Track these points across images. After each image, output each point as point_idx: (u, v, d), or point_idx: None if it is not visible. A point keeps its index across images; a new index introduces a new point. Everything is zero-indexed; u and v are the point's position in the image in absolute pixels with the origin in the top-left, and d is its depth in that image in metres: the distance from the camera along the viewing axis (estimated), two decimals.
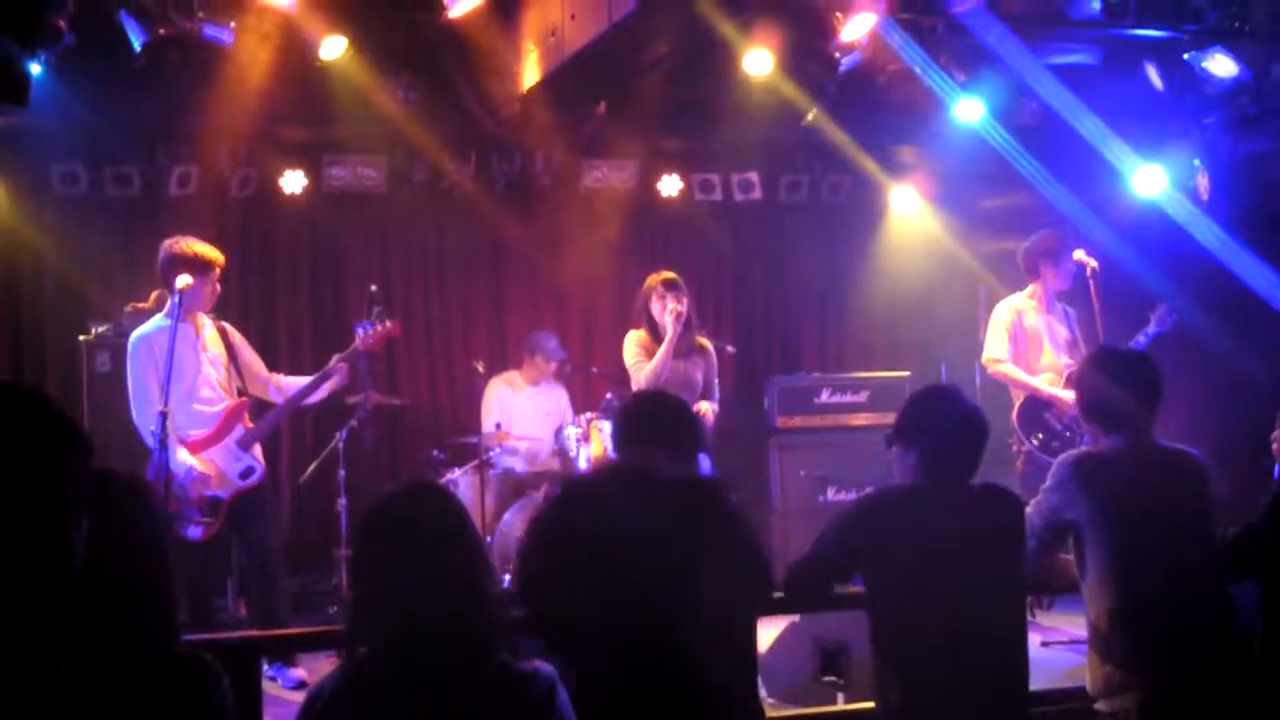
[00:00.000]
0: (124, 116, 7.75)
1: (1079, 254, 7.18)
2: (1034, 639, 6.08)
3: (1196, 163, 7.90)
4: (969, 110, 7.46)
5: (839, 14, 6.75)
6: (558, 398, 8.58)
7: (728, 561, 3.32)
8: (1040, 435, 7.06)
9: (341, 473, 7.47)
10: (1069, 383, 6.95)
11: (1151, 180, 7.79)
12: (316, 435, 8.37)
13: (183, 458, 6.14)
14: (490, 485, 7.82)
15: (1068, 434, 6.96)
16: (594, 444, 7.43)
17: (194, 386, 6.29)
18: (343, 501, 7.46)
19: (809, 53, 7.08)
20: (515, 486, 8.02)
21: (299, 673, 6.37)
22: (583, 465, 7.43)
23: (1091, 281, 7.09)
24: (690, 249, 9.84)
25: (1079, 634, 4.59)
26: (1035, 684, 3.83)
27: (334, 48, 6.70)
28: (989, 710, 3.59)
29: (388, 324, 6.72)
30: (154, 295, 7.05)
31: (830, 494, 8.18)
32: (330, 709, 2.52)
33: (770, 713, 4.36)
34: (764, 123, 8.41)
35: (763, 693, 5.22)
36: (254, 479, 6.39)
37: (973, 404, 3.83)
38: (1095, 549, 3.85)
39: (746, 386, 9.42)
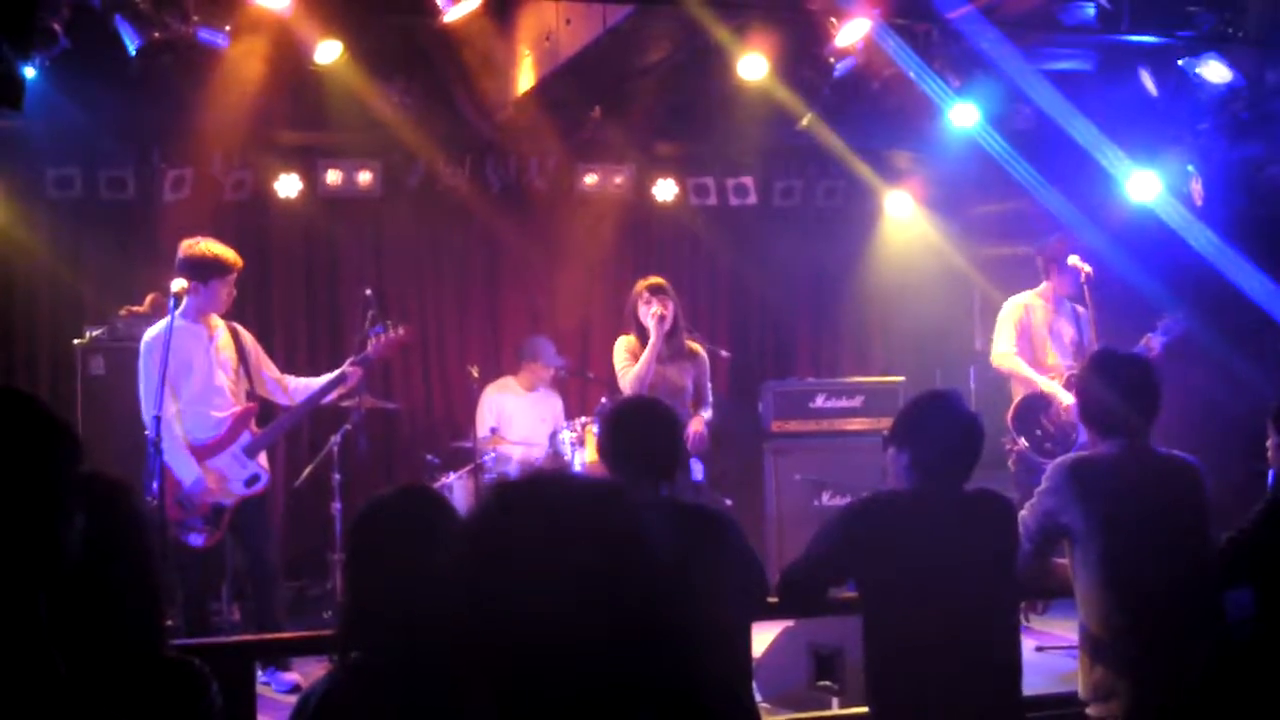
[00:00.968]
0: (118, 120, 7.75)
1: (1073, 260, 7.20)
2: (1029, 643, 6.08)
3: (1190, 168, 7.90)
4: (963, 115, 7.47)
5: (833, 19, 6.76)
6: (553, 404, 8.57)
7: (722, 568, 3.32)
8: (1033, 436, 7.08)
9: (336, 477, 7.47)
10: (1069, 384, 6.97)
11: (1146, 186, 7.80)
12: (311, 440, 8.37)
13: (191, 466, 6.12)
14: (484, 490, 7.81)
15: (1061, 435, 6.98)
16: (588, 448, 7.42)
17: (205, 390, 6.27)
18: (337, 506, 7.47)
19: (804, 58, 7.09)
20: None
21: (293, 677, 6.36)
22: (578, 469, 7.42)
23: (1086, 287, 7.12)
24: (685, 253, 9.85)
25: (1074, 638, 4.59)
26: (1029, 688, 3.84)
27: (329, 52, 6.69)
28: (982, 714, 3.59)
29: (400, 330, 6.71)
30: (149, 299, 7.05)
31: (825, 498, 8.18)
32: (321, 713, 2.52)
33: (765, 718, 4.36)
34: (759, 127, 8.42)
35: (758, 697, 5.21)
36: (259, 486, 6.38)
37: (968, 410, 3.83)
38: (1089, 553, 3.85)
39: (741, 391, 9.42)
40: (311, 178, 8.64)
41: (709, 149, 9.35)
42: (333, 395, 6.69)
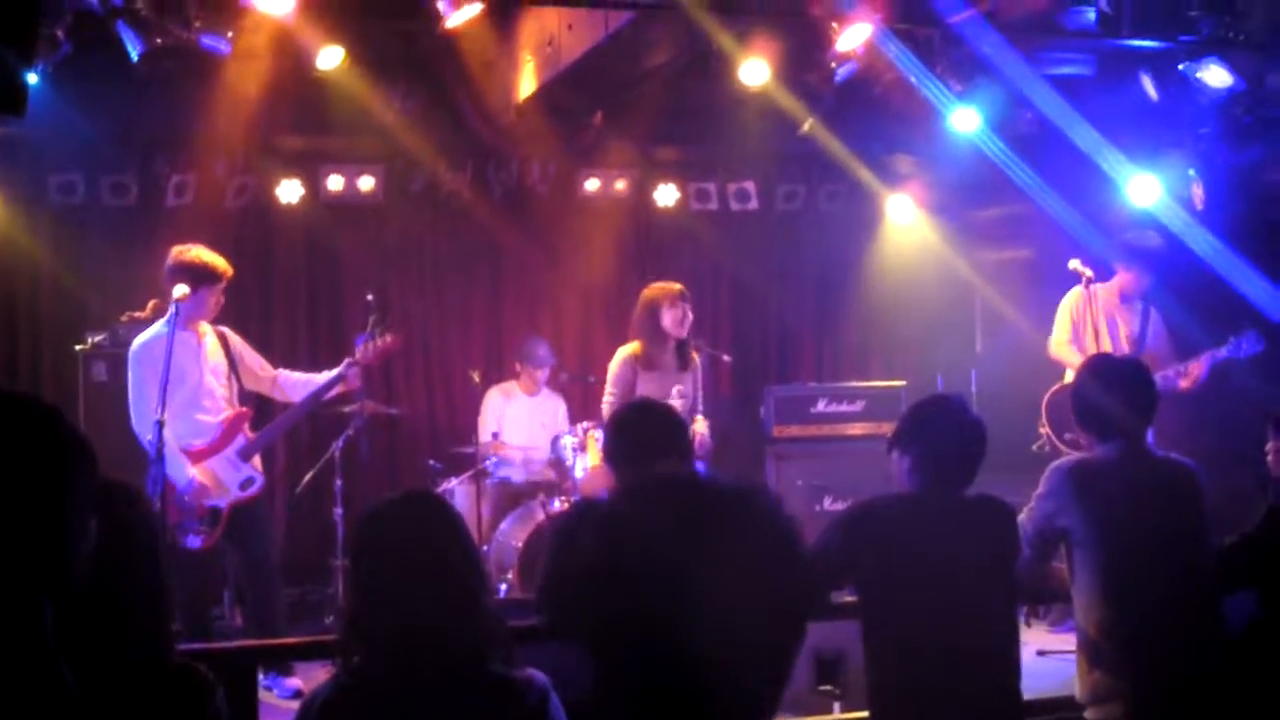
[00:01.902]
0: (121, 126, 7.76)
1: (1074, 264, 7.21)
2: (1030, 647, 6.08)
3: (1191, 172, 7.90)
4: (965, 120, 7.47)
5: (835, 24, 6.76)
6: (555, 408, 8.58)
7: (773, 569, 3.30)
8: (1058, 423, 7.09)
9: (338, 482, 7.48)
10: None
11: (1147, 190, 7.80)
12: (312, 444, 8.37)
13: (184, 468, 6.13)
14: (486, 495, 7.82)
15: None
16: (590, 453, 7.42)
17: (195, 396, 6.28)
18: (339, 511, 7.47)
19: (805, 63, 7.10)
20: (512, 496, 8.02)
21: (295, 682, 6.36)
22: (579, 475, 7.42)
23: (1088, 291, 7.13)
24: (686, 258, 9.85)
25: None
26: (1029, 692, 3.84)
27: (331, 57, 6.70)
28: (982, 718, 3.59)
29: (387, 338, 6.70)
30: (151, 304, 7.05)
31: (827, 503, 8.17)
32: (324, 717, 2.52)
33: None
34: (760, 132, 8.43)
35: None
36: (254, 489, 6.38)
37: (973, 414, 3.83)
38: (1086, 556, 3.85)
39: (743, 396, 9.42)
40: (313, 183, 8.65)
41: (711, 154, 9.36)
42: (333, 393, 6.67)
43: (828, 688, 5.47)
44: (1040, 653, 6.66)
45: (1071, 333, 7.34)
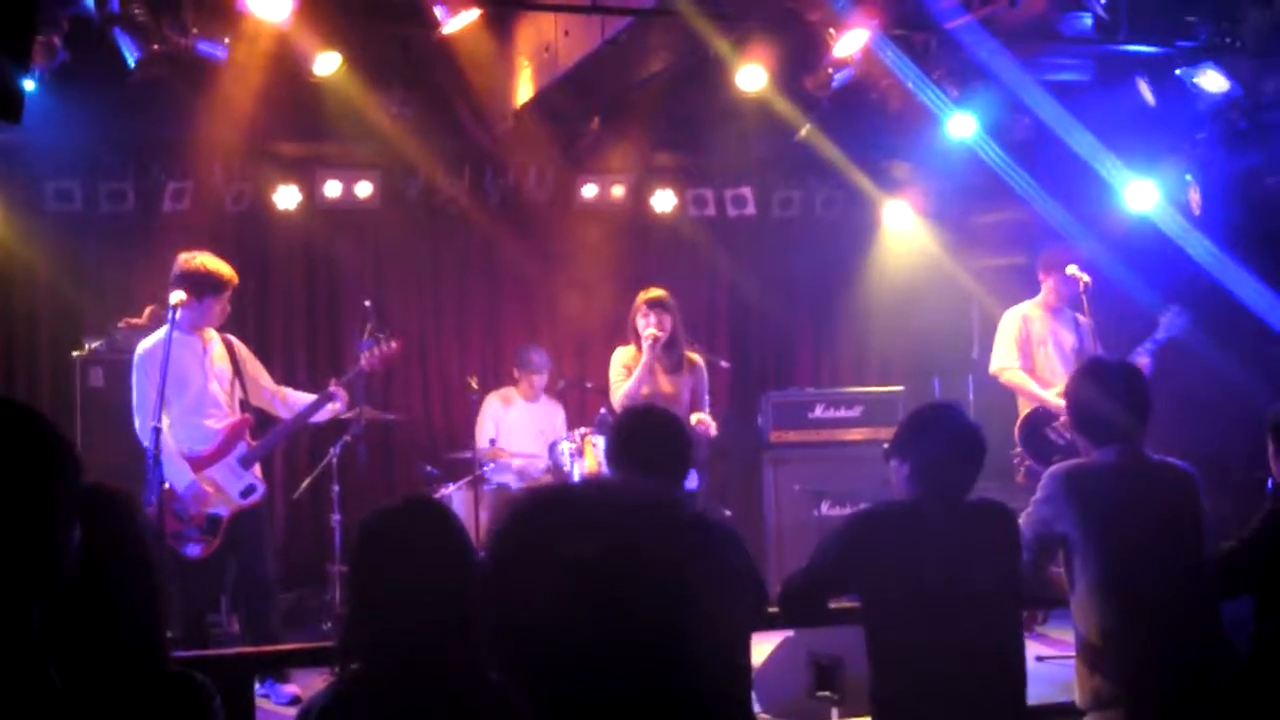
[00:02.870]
0: (118, 133, 7.77)
1: (1072, 269, 7.21)
2: (1029, 652, 6.07)
3: (1188, 178, 7.91)
4: (962, 126, 7.48)
5: (832, 30, 6.77)
6: (553, 414, 8.57)
7: (722, 578, 3.31)
8: (1041, 449, 7.07)
9: (335, 488, 7.47)
10: None
11: (1144, 195, 7.81)
12: (310, 451, 8.36)
13: (185, 472, 6.12)
14: (484, 501, 7.80)
15: (1068, 446, 6.97)
16: (588, 459, 7.42)
17: (199, 402, 6.26)
18: (336, 517, 7.46)
19: (802, 69, 7.11)
20: (509, 502, 8.00)
21: (292, 689, 6.35)
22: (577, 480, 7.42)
23: (1084, 297, 7.13)
24: (684, 264, 9.85)
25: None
26: (1030, 697, 3.83)
27: (327, 64, 6.70)
28: None
29: (391, 345, 6.70)
30: (148, 311, 7.05)
31: (824, 508, 8.18)
32: None
33: None
34: (757, 138, 8.44)
35: (757, 708, 5.21)
36: (255, 497, 6.37)
37: (971, 421, 3.83)
38: (1085, 561, 3.85)
39: (740, 402, 9.42)
40: (311, 189, 8.65)
41: (708, 160, 9.37)
42: (324, 416, 6.65)
43: (826, 694, 5.46)
44: (1039, 658, 6.65)
45: (1020, 358, 7.31)
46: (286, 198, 8.58)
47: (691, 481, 6.74)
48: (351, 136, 8.25)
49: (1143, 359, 6.96)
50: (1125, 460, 3.94)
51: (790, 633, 5.68)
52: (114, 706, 2.08)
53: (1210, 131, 7.68)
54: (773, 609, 3.92)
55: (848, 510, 7.65)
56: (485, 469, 7.88)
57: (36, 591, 1.67)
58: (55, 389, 7.95)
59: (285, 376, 8.63)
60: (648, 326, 6.91)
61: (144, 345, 6.26)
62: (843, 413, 8.51)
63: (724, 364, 8.29)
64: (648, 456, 3.62)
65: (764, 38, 6.92)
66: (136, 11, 6.21)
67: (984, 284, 9.26)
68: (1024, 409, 7.25)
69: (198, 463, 6.22)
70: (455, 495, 7.81)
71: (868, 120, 8.06)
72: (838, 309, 10.16)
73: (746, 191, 9.60)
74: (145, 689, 2.28)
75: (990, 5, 6.39)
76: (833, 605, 4.03)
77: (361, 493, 7.72)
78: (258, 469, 6.44)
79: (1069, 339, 7.35)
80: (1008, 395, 7.46)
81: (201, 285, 6.15)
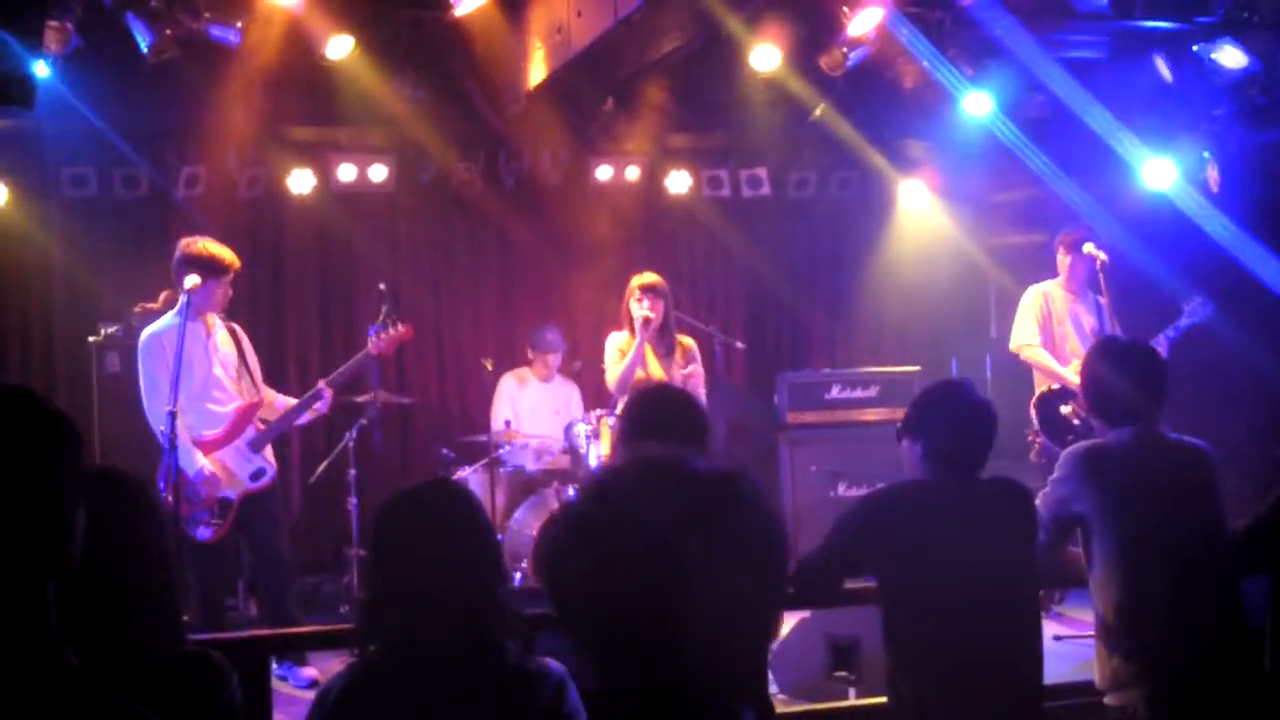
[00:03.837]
0: (132, 118, 7.78)
1: (1088, 247, 7.18)
2: (1047, 632, 6.06)
3: (1206, 155, 7.86)
4: (977, 104, 7.44)
5: (846, 8, 6.74)
6: (568, 394, 8.57)
7: (757, 556, 3.30)
8: (1055, 427, 7.05)
9: (352, 472, 7.49)
10: None
11: (1161, 173, 7.76)
12: (326, 435, 8.38)
13: (195, 457, 6.13)
14: (500, 483, 7.81)
15: (1083, 426, 6.95)
16: (604, 441, 7.41)
17: (205, 386, 6.27)
18: (353, 500, 7.48)
19: (816, 48, 7.08)
20: (525, 484, 8.02)
21: (310, 672, 6.37)
22: (593, 462, 7.42)
23: (1102, 275, 7.09)
24: (699, 245, 9.84)
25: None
26: (1048, 676, 3.82)
27: (340, 47, 6.70)
28: (1002, 704, 3.58)
29: (400, 327, 6.69)
30: (163, 296, 7.06)
31: (841, 489, 8.15)
32: (340, 707, 2.51)
33: (781, 708, 4.35)
34: (772, 118, 8.42)
35: (773, 688, 5.21)
36: (264, 480, 6.37)
37: (982, 397, 3.80)
38: (1103, 542, 3.83)
39: (757, 382, 9.41)
40: (325, 173, 8.66)
41: (723, 141, 9.35)
42: (307, 417, 6.64)
43: (843, 674, 5.47)
44: (1057, 638, 6.64)
45: (1041, 335, 7.29)
46: (301, 182, 8.59)
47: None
48: (365, 120, 8.26)
49: (1160, 346, 6.93)
50: (1142, 439, 3.92)
51: (807, 614, 5.68)
52: (132, 685, 2.09)
53: (1228, 108, 7.63)
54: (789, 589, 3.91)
55: (864, 491, 7.64)
56: (501, 451, 7.89)
57: (50, 569, 1.68)
58: (72, 375, 7.98)
59: (299, 359, 8.70)
60: (640, 309, 6.96)
61: (147, 332, 6.27)
62: (859, 393, 8.48)
63: (739, 345, 8.28)
64: (664, 425, 3.61)
65: (778, 17, 6.90)
66: None
67: (1000, 263, 9.22)
68: (1040, 387, 7.23)
69: (207, 446, 6.23)
70: (472, 477, 7.82)
71: (883, 99, 8.02)
72: (853, 289, 10.13)
73: (762, 172, 9.58)
74: (163, 667, 2.29)
75: None
76: (848, 585, 4.02)
77: (378, 476, 7.74)
78: (268, 452, 6.44)
79: (1089, 320, 7.32)
80: (1025, 374, 7.43)
81: (205, 269, 6.15)
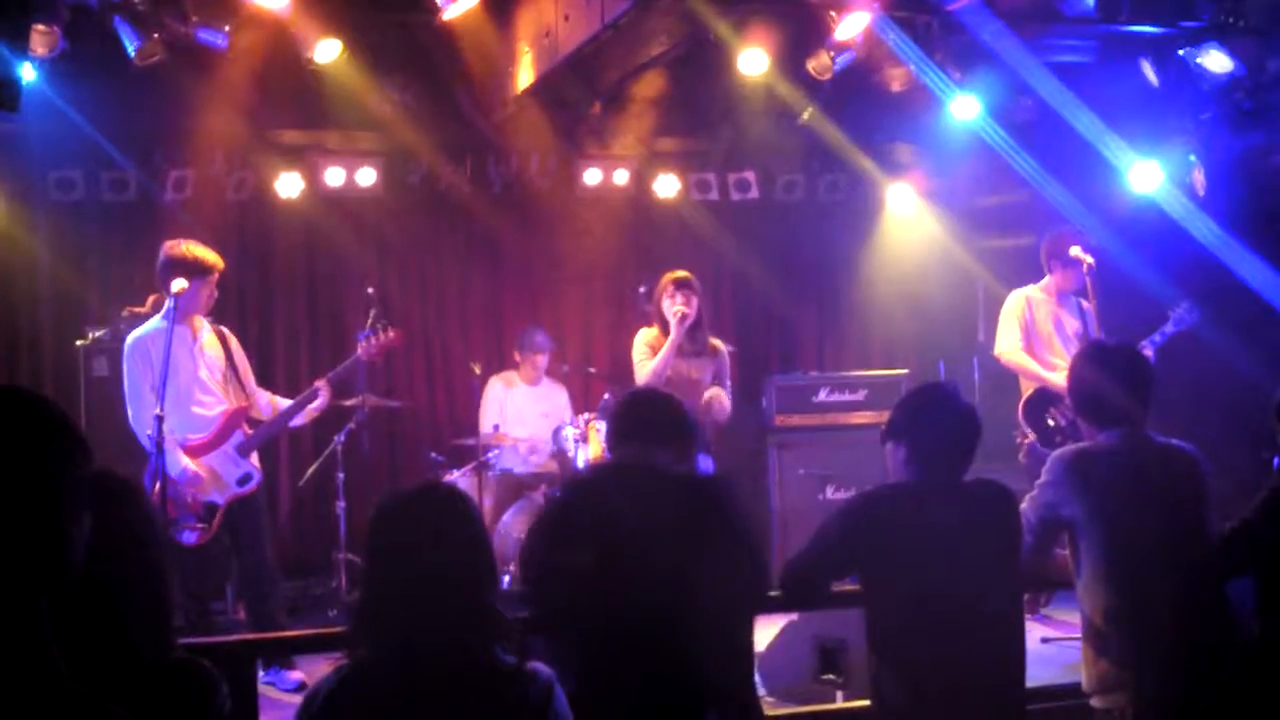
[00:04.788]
0: (119, 122, 7.76)
1: (1075, 250, 7.18)
2: (1033, 634, 6.07)
3: (1193, 158, 7.88)
4: (965, 108, 7.46)
5: (833, 12, 6.75)
6: (556, 397, 8.57)
7: (728, 559, 3.31)
8: (1043, 429, 7.06)
9: (340, 476, 7.49)
10: None
11: (1148, 176, 7.78)
12: (315, 439, 8.37)
13: (180, 461, 6.12)
14: (489, 486, 7.81)
15: (1071, 428, 6.96)
16: (592, 445, 7.42)
17: (189, 390, 6.26)
18: (341, 504, 7.48)
19: (803, 52, 7.09)
20: (514, 488, 8.02)
21: (297, 675, 6.36)
22: (581, 466, 7.43)
23: (1089, 278, 7.10)
24: (687, 249, 9.83)
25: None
26: (1034, 679, 3.83)
27: (328, 51, 6.69)
28: (986, 706, 3.59)
29: (390, 333, 6.69)
30: (150, 299, 7.05)
31: (829, 492, 8.17)
32: (328, 709, 2.51)
33: (768, 711, 4.36)
34: (760, 122, 8.43)
35: (761, 691, 5.22)
36: (251, 485, 6.36)
37: (964, 401, 3.82)
38: (1090, 545, 3.84)
39: (745, 386, 9.40)
40: (312, 177, 8.65)
41: (710, 144, 9.35)
42: (301, 419, 6.63)
43: (830, 677, 5.47)
44: (1044, 640, 6.65)
45: (1024, 340, 7.28)
46: (288, 186, 8.58)
47: (706, 466, 6.71)
48: (353, 124, 8.26)
49: (1146, 351, 6.94)
50: (1130, 443, 3.93)
51: (794, 616, 5.69)
52: (121, 693, 2.09)
53: (1214, 112, 7.65)
54: (774, 593, 3.92)
55: (852, 494, 7.65)
56: (490, 455, 7.89)
57: (44, 579, 1.67)
58: (59, 378, 7.96)
59: (287, 363, 8.67)
60: (674, 305, 6.83)
61: (132, 336, 6.27)
62: (847, 396, 8.50)
63: (729, 348, 8.27)
64: (649, 431, 3.61)
65: (765, 21, 6.91)
66: (136, 0, 6.20)
67: (988, 266, 9.24)
68: (1027, 389, 7.24)
69: (193, 451, 6.22)
70: (460, 481, 7.81)
71: (870, 103, 8.03)
72: (842, 292, 10.16)
73: (750, 176, 9.59)
74: (152, 675, 2.29)
75: None
76: (835, 587, 4.02)
77: (366, 480, 7.74)
78: (255, 457, 6.43)
79: (1073, 323, 7.32)
80: (1012, 377, 7.44)
81: (189, 271, 6.15)
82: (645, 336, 7.02)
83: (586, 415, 7.70)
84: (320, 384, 6.54)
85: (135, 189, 8.32)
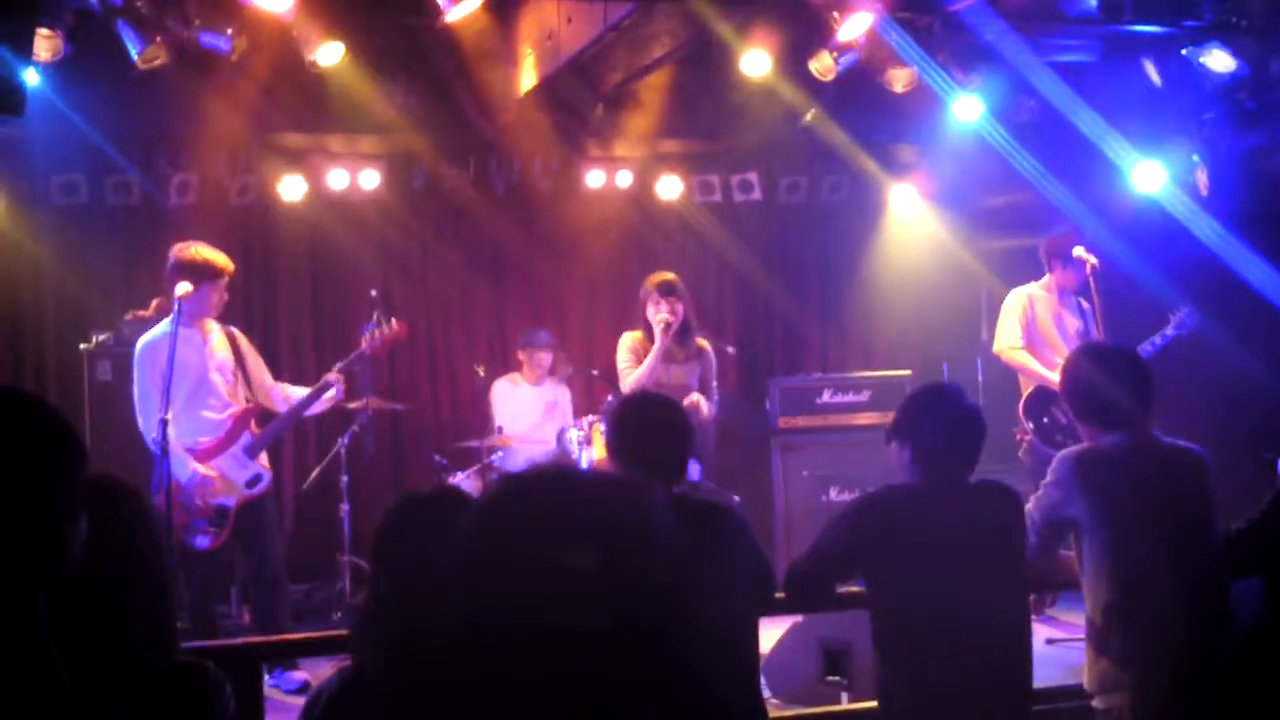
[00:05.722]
0: (123, 126, 7.76)
1: (1078, 251, 7.18)
2: (1038, 635, 6.06)
3: (1196, 158, 7.88)
4: (968, 108, 7.45)
5: (836, 13, 6.75)
6: (559, 396, 8.56)
7: (730, 564, 3.32)
8: (1043, 427, 7.06)
9: (344, 478, 7.49)
10: None
11: (1151, 176, 7.78)
12: (318, 441, 8.38)
13: (186, 464, 6.12)
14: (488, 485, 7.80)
15: (1071, 427, 6.95)
16: (596, 447, 7.42)
17: (198, 393, 6.26)
18: (345, 507, 7.48)
19: (806, 53, 7.09)
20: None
21: (301, 675, 6.36)
22: (585, 468, 7.42)
23: (1091, 279, 7.10)
24: (690, 251, 9.84)
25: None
26: (1040, 680, 3.83)
27: (331, 54, 6.69)
28: (991, 708, 3.59)
29: (394, 326, 6.70)
30: (154, 303, 7.06)
31: (833, 494, 8.17)
32: (331, 711, 2.51)
33: (773, 713, 4.36)
34: (763, 123, 8.42)
35: (766, 693, 5.22)
36: (260, 487, 6.36)
37: (969, 402, 3.82)
38: (1095, 545, 3.83)
39: (748, 387, 9.42)
40: (316, 180, 8.65)
41: (713, 146, 9.35)
42: (323, 404, 6.63)
43: (835, 678, 5.48)
44: (1049, 641, 6.65)
45: (1025, 337, 7.28)
46: (292, 189, 8.58)
47: (693, 471, 6.69)
48: (356, 127, 8.26)
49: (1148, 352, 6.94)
50: (1135, 443, 3.92)
51: (799, 618, 5.69)
52: (124, 695, 2.09)
53: (1217, 112, 7.65)
54: (779, 594, 3.92)
55: (856, 495, 7.64)
56: (494, 457, 7.89)
57: (40, 581, 1.67)
58: (63, 382, 7.97)
59: (292, 367, 8.66)
60: (658, 312, 6.77)
61: (143, 340, 6.27)
62: (851, 397, 8.50)
63: (730, 349, 8.28)
64: (645, 451, 3.58)
65: (767, 22, 6.90)
66: (140, 4, 6.21)
67: (991, 267, 9.23)
68: (1027, 387, 7.24)
69: (203, 454, 6.22)
70: (464, 484, 7.81)
71: (873, 104, 8.03)
72: (845, 293, 10.15)
73: (753, 177, 9.58)
74: (156, 679, 2.29)
75: None
76: (839, 589, 4.03)
77: (370, 483, 7.74)
78: (263, 458, 6.44)
79: (1074, 322, 7.32)
80: (1015, 377, 7.44)
81: (199, 274, 6.15)
82: (628, 341, 6.95)
83: (590, 418, 7.70)
84: (332, 376, 6.54)
85: (139, 193, 8.32)
